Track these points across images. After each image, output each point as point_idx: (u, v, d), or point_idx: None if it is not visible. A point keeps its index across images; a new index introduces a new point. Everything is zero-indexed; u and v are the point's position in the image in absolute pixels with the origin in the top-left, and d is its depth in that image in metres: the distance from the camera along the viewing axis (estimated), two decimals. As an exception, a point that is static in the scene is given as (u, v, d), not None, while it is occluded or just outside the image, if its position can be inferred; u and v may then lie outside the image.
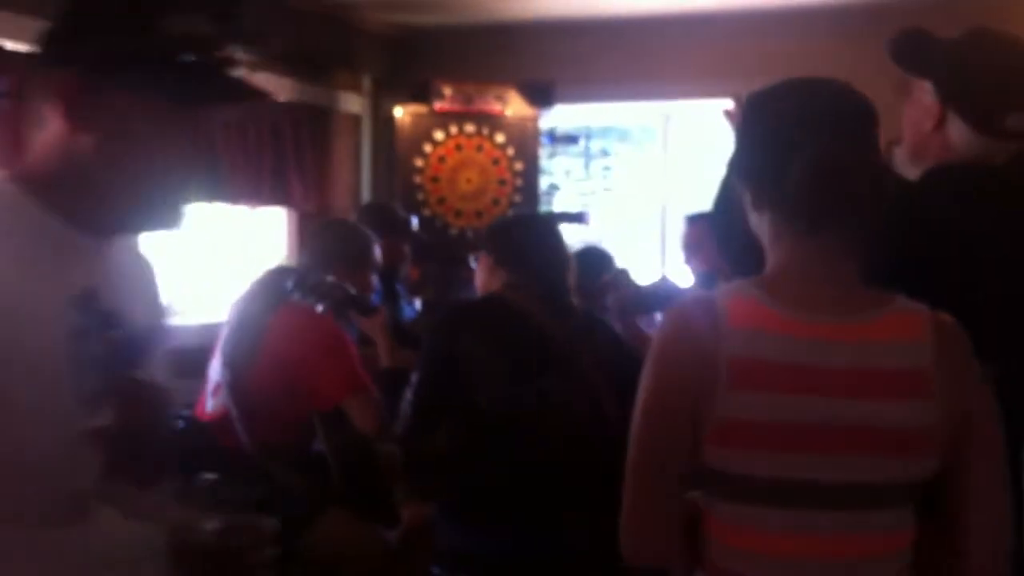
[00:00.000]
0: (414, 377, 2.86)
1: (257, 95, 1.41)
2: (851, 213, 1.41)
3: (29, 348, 1.26)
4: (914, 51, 1.86)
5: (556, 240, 2.90)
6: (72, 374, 1.30)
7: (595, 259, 4.04)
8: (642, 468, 1.45)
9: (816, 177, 1.39)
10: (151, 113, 1.32)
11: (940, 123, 1.80)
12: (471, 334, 2.67)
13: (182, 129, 1.35)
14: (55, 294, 1.31)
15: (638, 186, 6.01)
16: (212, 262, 4.88)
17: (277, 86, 4.89)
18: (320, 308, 3.09)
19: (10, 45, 3.63)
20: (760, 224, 1.49)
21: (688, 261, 4.27)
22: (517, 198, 5.29)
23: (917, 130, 1.85)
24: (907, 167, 1.90)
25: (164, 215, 1.39)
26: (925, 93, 1.83)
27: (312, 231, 3.91)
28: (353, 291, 3.20)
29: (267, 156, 4.76)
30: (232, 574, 1.40)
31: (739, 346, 1.38)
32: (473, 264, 3.12)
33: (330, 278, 3.17)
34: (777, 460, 1.38)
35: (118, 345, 1.37)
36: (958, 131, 1.79)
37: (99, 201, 1.34)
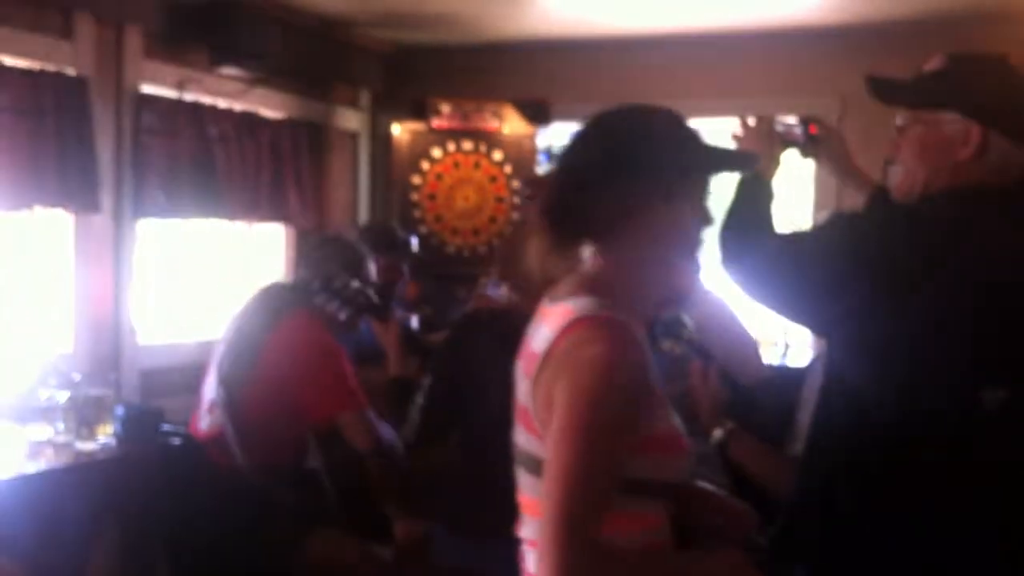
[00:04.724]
0: (426, 382, 2.84)
1: None
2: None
3: None
4: (918, 89, 1.86)
5: None
6: None
7: None
8: None
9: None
10: None
11: (983, 148, 1.78)
12: (487, 343, 2.64)
13: None
14: None
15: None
16: (210, 279, 4.88)
17: (275, 102, 4.91)
18: (342, 314, 3.18)
19: (9, 61, 3.63)
20: None
21: None
22: (514, 215, 5.29)
23: (946, 157, 1.82)
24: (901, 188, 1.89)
25: None
26: (947, 123, 1.81)
27: (309, 245, 3.93)
28: (376, 299, 3.29)
29: (265, 172, 4.76)
30: None
31: None
32: (490, 286, 3.08)
33: (355, 283, 3.22)
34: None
35: None
36: (1001, 153, 1.78)
37: None
